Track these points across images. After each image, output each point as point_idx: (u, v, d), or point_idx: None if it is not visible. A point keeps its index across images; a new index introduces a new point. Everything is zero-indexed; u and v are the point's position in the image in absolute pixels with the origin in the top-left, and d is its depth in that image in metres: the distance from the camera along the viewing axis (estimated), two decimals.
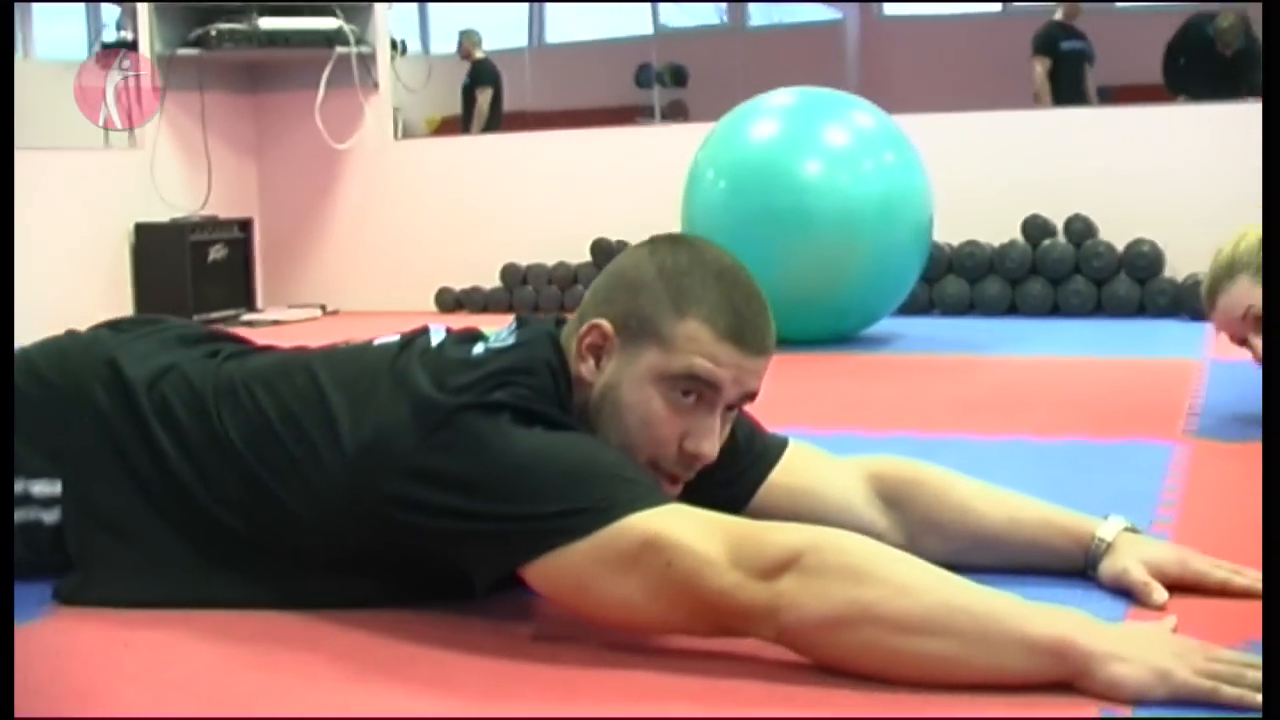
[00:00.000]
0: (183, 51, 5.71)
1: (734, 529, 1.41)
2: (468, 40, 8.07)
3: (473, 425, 1.48)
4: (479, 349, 1.63)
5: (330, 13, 5.81)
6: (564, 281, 5.68)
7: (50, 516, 1.71)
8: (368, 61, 6.00)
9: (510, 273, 5.80)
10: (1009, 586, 1.40)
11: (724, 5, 11.68)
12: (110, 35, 5.77)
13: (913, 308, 4.83)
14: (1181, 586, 1.59)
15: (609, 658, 1.43)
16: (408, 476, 1.48)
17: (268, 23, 5.69)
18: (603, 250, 5.46)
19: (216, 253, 5.74)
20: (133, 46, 5.68)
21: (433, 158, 6.26)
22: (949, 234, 4.90)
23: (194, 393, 1.70)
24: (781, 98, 4.26)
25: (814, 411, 2.99)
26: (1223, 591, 1.59)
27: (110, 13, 5.83)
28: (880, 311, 4.27)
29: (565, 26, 11.89)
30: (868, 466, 1.81)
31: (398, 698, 1.35)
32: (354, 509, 1.53)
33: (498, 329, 1.67)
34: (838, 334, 4.16)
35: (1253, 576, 1.59)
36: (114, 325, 1.93)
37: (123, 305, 5.45)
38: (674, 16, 11.31)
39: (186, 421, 1.68)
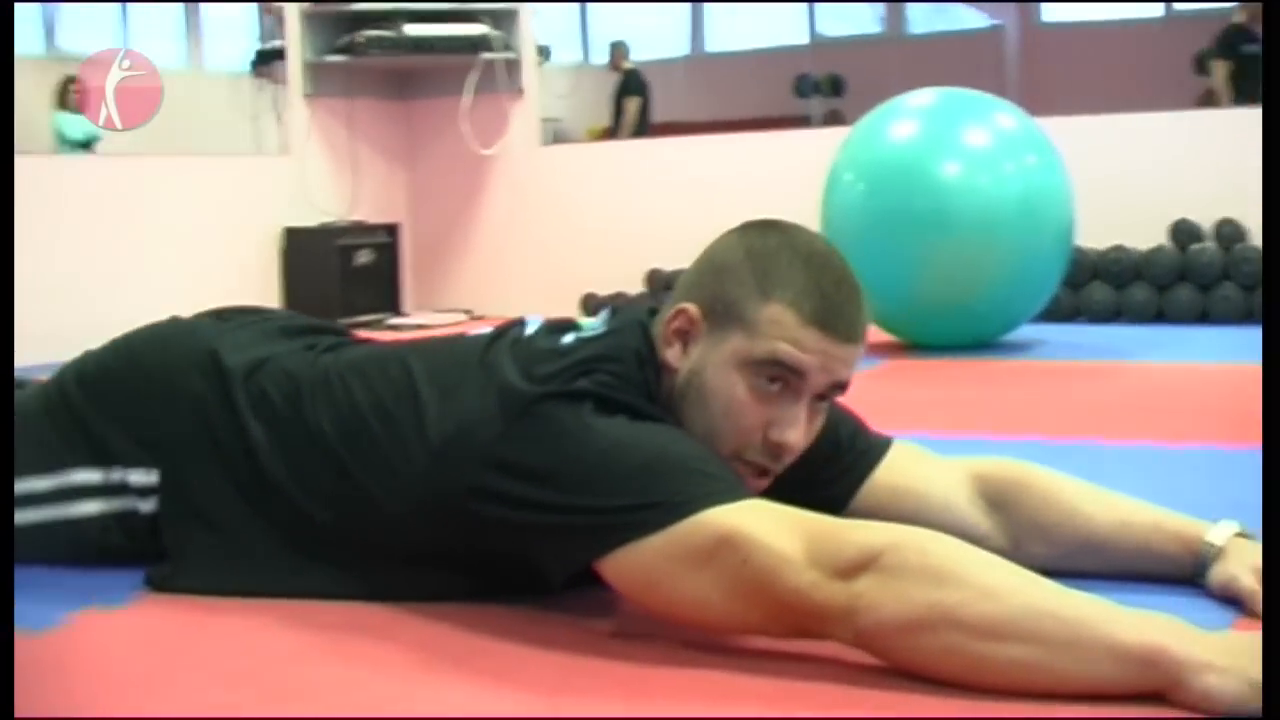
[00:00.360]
0: (331, 58, 5.79)
1: (813, 526, 1.35)
2: (617, 51, 8.10)
3: (554, 415, 1.46)
4: (569, 338, 1.61)
5: (476, 19, 5.84)
6: None
7: (147, 505, 1.73)
8: (513, 68, 6.02)
9: (655, 278, 5.78)
10: (1114, 594, 1.33)
11: (882, 13, 11.58)
12: (260, 44, 5.89)
13: (1056, 314, 4.69)
14: None
15: (683, 656, 1.39)
16: (488, 467, 1.46)
17: (414, 29, 5.74)
18: None
19: (363, 257, 5.80)
20: (281, 55, 5.78)
21: (579, 163, 6.28)
22: (1094, 239, 4.76)
23: (290, 384, 1.70)
24: (921, 98, 4.18)
25: (944, 416, 2.91)
26: None
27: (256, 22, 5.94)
28: (1021, 317, 4.16)
29: (724, 36, 11.89)
30: (973, 467, 1.75)
31: (464, 691, 1.33)
32: (436, 501, 1.51)
33: (593, 319, 1.65)
34: (977, 339, 4.06)
35: None
36: (218, 314, 1.94)
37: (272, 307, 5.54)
38: (832, 26, 11.25)
39: (282, 413, 1.68)
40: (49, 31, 5.56)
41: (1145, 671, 1.22)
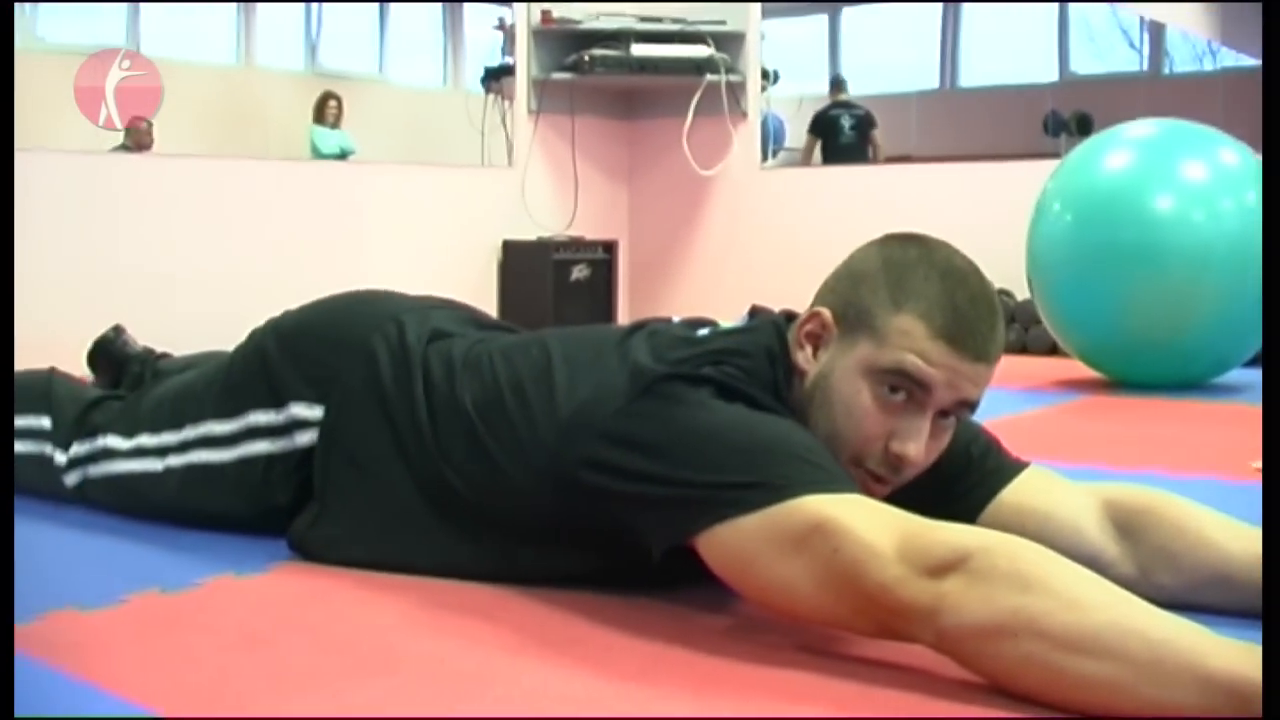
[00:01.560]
0: (557, 75, 5.90)
1: (908, 524, 1.33)
2: (836, 85, 8.01)
3: (673, 392, 1.48)
4: (705, 331, 1.65)
5: (703, 40, 5.89)
6: None
7: (305, 438, 1.81)
8: (737, 90, 6.05)
9: None
10: (1242, 632, 1.26)
11: (1147, 52, 11.27)
12: (494, 60, 6.02)
13: None
14: None
15: (777, 657, 1.38)
16: (603, 439, 1.49)
17: (641, 49, 5.81)
18: None
19: (579, 272, 5.88)
20: (511, 71, 5.91)
21: (798, 187, 6.27)
22: None
23: (451, 360, 1.76)
24: (1141, 129, 4.06)
25: (1133, 452, 2.82)
26: None
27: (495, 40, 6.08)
28: (1232, 359, 3.99)
29: (977, 71, 11.72)
30: (1105, 493, 1.69)
31: (541, 673, 1.34)
32: (555, 472, 1.54)
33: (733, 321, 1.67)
34: (1185, 379, 3.92)
35: None
36: (416, 297, 2.03)
37: None
38: (1087, 64, 11.00)
39: (439, 382, 1.74)
40: (312, 50, 5.80)
41: (1232, 702, 1.16)
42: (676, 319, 1.75)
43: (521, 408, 1.63)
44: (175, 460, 1.91)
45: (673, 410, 1.46)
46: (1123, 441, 3.02)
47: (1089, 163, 4.03)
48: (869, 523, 1.32)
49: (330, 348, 1.84)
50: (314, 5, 5.75)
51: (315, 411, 1.80)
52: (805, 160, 7.37)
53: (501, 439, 1.63)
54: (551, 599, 1.57)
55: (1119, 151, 4.00)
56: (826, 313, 1.54)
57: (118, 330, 2.52)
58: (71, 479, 2.03)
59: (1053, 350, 4.74)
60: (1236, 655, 1.18)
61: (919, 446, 1.49)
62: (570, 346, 1.70)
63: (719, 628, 1.49)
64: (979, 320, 1.49)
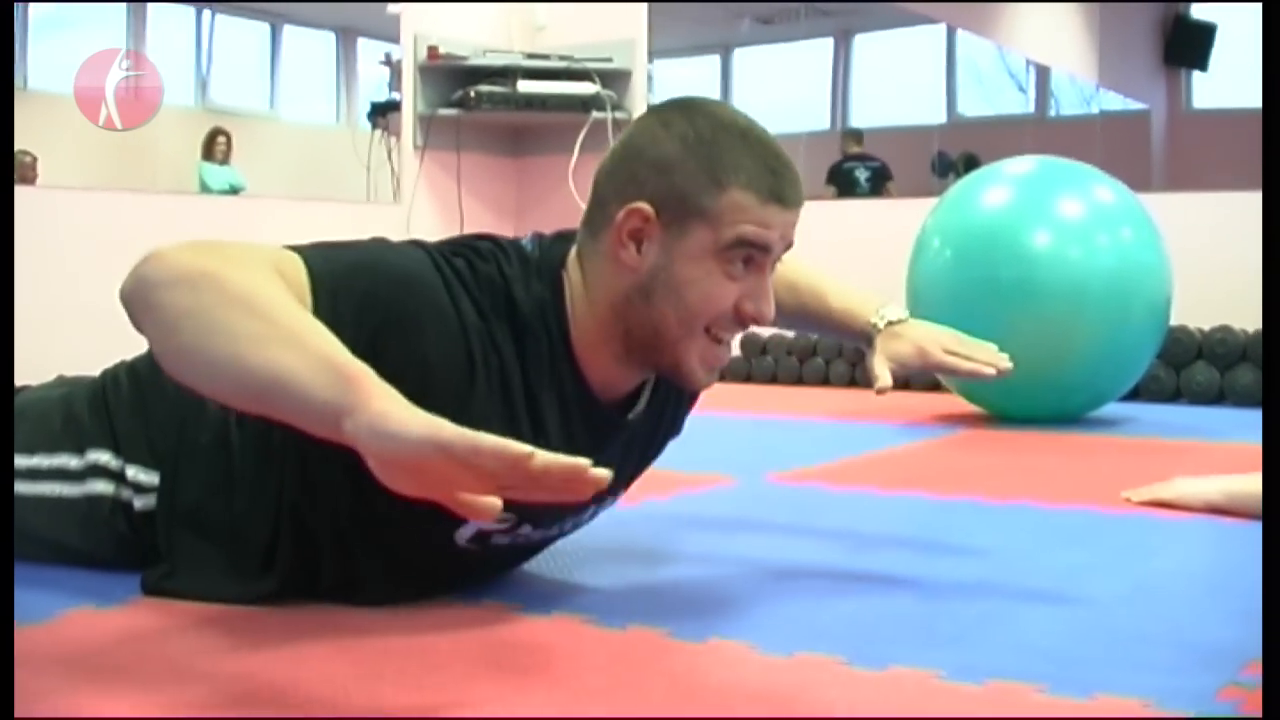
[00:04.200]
0: (443, 111, 5.86)
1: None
2: (851, 136, 8.10)
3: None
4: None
5: (589, 77, 5.89)
6: (803, 353, 5.58)
7: (140, 501, 1.74)
8: (623, 127, 6.05)
9: (750, 343, 5.74)
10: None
11: (1031, 95, 11.44)
12: (380, 95, 5.99)
13: (1158, 394, 4.58)
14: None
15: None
16: None
17: (527, 85, 5.80)
18: None
19: None
20: (397, 107, 5.87)
21: None
22: (1200, 318, 4.63)
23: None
24: (1018, 166, 4.11)
25: (1001, 482, 2.83)
26: (974, 376, 1.92)
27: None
28: (1109, 393, 4.04)
29: (866, 112, 11.84)
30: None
31: (396, 691, 1.30)
32: None
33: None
34: (1063, 413, 3.96)
35: (1002, 360, 1.95)
36: None
37: None
38: (974, 106, 11.16)
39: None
40: (203, 85, 5.73)
41: (341, 385, 1.24)
42: None
43: None
44: (24, 488, 1.82)
45: None
46: (998, 473, 3.03)
47: (968, 199, 4.07)
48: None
49: (169, 408, 1.74)
50: (204, 40, 5.69)
51: (151, 477, 1.73)
52: None
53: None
54: (416, 618, 1.53)
55: (997, 188, 4.04)
56: (647, 207, 1.52)
57: None
58: None
59: (934, 386, 4.77)
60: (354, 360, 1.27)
61: (770, 303, 1.58)
62: None
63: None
64: (787, 169, 1.55)
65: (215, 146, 5.51)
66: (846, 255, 5.25)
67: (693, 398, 1.82)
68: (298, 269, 1.45)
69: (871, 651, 1.45)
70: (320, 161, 6.17)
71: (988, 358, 1.95)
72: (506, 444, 1.18)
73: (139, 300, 1.37)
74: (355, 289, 1.46)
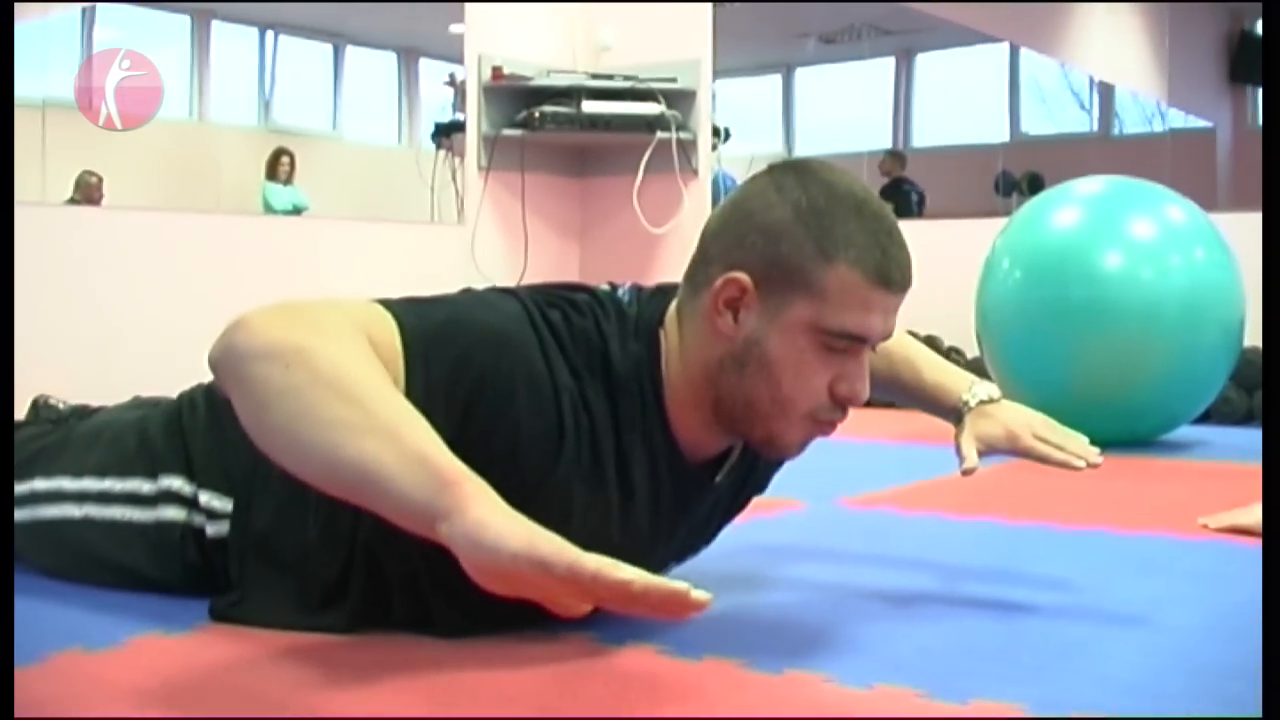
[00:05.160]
0: (507, 132, 5.87)
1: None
2: (896, 158, 8.06)
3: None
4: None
5: (654, 98, 5.88)
6: None
7: (213, 528, 1.74)
8: (688, 148, 6.04)
9: None
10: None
11: (1095, 112, 11.35)
12: (445, 116, 6.00)
13: (1230, 417, 4.51)
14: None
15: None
16: None
17: (592, 106, 5.80)
18: None
19: None
20: (461, 128, 5.88)
21: None
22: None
23: None
24: (1089, 186, 4.07)
25: (1070, 508, 2.79)
26: (1064, 467, 1.86)
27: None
28: (1181, 416, 3.98)
29: (927, 132, 11.78)
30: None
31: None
32: None
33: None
34: (1132, 436, 3.90)
35: (1093, 454, 1.88)
36: None
37: None
38: (1035, 124, 11.09)
39: None
40: (266, 106, 5.77)
41: (437, 487, 1.24)
42: None
43: None
44: (95, 511, 1.82)
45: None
46: (1070, 497, 2.98)
47: (1038, 219, 4.03)
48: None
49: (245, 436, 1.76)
50: (269, 58, 5.72)
51: (224, 504, 1.72)
52: None
53: None
54: (474, 652, 1.51)
55: (1068, 208, 3.99)
56: (744, 277, 1.50)
57: (36, 404, 2.42)
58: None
59: None
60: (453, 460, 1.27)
61: (865, 384, 1.53)
62: None
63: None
64: (899, 249, 1.52)
65: (279, 166, 5.55)
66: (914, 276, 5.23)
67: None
68: (390, 331, 1.43)
69: (952, 684, 1.43)
70: (383, 182, 6.19)
71: (1079, 449, 1.88)
72: (606, 570, 1.18)
73: (228, 371, 1.36)
74: (448, 352, 1.44)
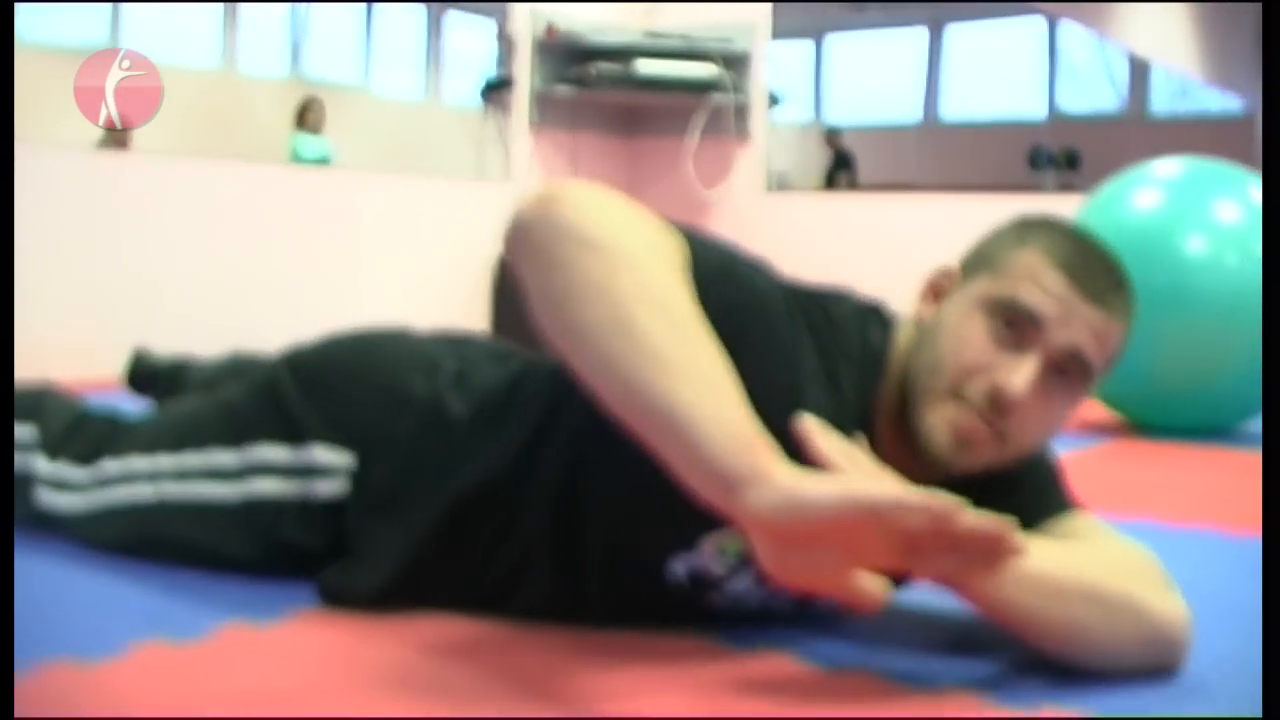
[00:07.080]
0: (560, 88, 5.77)
1: None
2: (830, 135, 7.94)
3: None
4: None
5: (709, 58, 5.78)
6: None
7: (326, 487, 1.65)
8: (743, 111, 5.94)
9: None
10: None
11: (1124, 91, 11.25)
12: (492, 72, 5.90)
13: None
14: None
15: None
16: None
17: (646, 65, 5.69)
18: None
19: None
20: (511, 84, 5.78)
21: (800, 212, 6.16)
22: None
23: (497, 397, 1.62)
24: (1168, 168, 3.96)
25: (1166, 502, 2.71)
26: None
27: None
28: (1261, 406, 3.90)
29: (960, 105, 11.70)
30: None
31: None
32: None
33: None
34: (1213, 425, 3.81)
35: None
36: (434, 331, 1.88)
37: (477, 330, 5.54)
38: (1071, 101, 10.98)
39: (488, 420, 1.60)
40: (295, 54, 5.69)
41: (747, 453, 1.15)
42: None
43: None
44: (171, 489, 1.73)
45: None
46: (1160, 490, 2.91)
47: (1116, 201, 3.92)
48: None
49: (362, 390, 1.67)
50: (299, 9, 5.62)
51: (341, 457, 1.63)
52: None
53: None
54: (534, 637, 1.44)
55: (1147, 190, 3.89)
56: (954, 267, 1.53)
57: (138, 355, 2.38)
58: (63, 502, 1.83)
59: None
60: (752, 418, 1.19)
61: (1023, 381, 1.39)
62: None
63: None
64: (1101, 261, 1.45)
65: (309, 115, 5.46)
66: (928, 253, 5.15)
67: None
68: (681, 254, 1.34)
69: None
70: (412, 136, 6.10)
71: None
72: (934, 496, 1.11)
73: (541, 243, 1.25)
74: (718, 294, 1.35)
